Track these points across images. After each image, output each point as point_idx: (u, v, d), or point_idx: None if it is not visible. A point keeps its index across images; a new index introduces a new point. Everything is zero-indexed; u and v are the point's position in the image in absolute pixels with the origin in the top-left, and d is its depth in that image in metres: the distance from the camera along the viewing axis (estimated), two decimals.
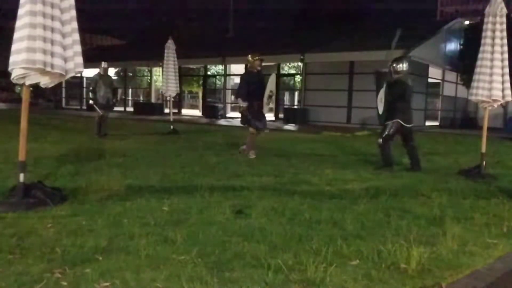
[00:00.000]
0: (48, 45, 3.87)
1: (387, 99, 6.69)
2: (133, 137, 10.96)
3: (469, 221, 3.98)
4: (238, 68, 23.05)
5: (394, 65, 6.78)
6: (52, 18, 3.91)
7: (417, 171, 6.79)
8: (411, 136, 7.02)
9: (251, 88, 7.66)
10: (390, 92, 6.67)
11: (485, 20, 6.43)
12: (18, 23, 3.89)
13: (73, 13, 4.10)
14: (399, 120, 6.76)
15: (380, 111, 6.86)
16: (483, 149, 6.64)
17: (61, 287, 2.41)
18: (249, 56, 7.91)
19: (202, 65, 25.54)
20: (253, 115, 7.74)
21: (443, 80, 22.52)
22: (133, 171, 5.96)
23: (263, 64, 8.05)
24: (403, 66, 6.81)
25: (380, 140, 6.85)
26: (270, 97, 7.83)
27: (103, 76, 11.10)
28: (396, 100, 6.70)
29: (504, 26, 6.35)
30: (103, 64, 11.16)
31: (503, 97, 6.44)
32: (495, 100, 6.48)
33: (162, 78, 14.47)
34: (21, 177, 4.07)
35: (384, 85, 6.74)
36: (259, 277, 2.59)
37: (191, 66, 26.25)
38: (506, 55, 6.38)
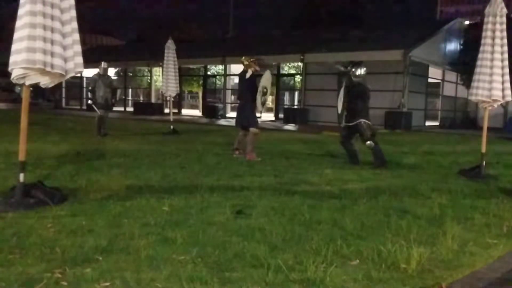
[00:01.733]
0: (48, 45, 3.86)
1: (346, 100, 7.31)
2: (133, 137, 10.96)
3: (469, 221, 3.98)
4: (238, 68, 22.90)
5: (354, 69, 7.33)
6: (52, 18, 3.91)
7: (356, 164, 7.21)
8: (355, 135, 7.48)
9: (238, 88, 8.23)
10: (351, 93, 7.28)
11: (485, 20, 6.42)
12: (18, 23, 3.88)
13: (73, 13, 4.10)
14: (365, 120, 7.22)
15: (339, 110, 7.47)
16: (483, 149, 6.63)
17: (61, 287, 2.41)
18: (243, 57, 7.87)
19: (202, 65, 25.53)
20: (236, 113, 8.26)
21: (443, 80, 22.51)
22: (133, 171, 5.96)
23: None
24: (361, 71, 7.32)
25: (371, 142, 7.16)
26: (264, 93, 7.79)
27: (103, 76, 11.09)
28: (356, 101, 7.24)
29: (504, 26, 6.34)
30: (103, 64, 11.16)
31: (503, 97, 6.44)
32: (495, 100, 6.48)
33: (162, 78, 14.47)
34: (21, 177, 4.07)
35: (343, 86, 7.41)
36: (259, 277, 2.59)
37: (191, 66, 26.24)
38: (506, 55, 6.38)
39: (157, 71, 26.23)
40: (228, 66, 23.62)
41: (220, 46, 25.32)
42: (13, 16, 4.07)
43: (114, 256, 2.84)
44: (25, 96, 4.21)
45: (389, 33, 21.35)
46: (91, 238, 3.14)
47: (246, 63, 7.76)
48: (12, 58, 3.87)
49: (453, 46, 22.45)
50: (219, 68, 25.52)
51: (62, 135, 10.79)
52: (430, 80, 21.09)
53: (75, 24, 4.10)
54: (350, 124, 7.27)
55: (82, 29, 4.42)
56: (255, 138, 7.76)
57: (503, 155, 9.34)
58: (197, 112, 26.93)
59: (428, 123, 20.93)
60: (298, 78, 23.34)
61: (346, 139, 7.43)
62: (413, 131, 16.98)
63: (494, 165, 7.66)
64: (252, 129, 7.70)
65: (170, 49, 13.25)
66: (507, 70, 6.37)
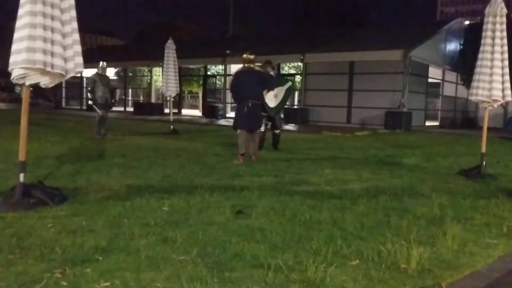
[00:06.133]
0: (48, 45, 3.86)
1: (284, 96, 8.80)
2: (133, 137, 10.95)
3: (469, 221, 3.97)
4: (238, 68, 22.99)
5: (272, 72, 9.05)
6: (52, 18, 3.91)
7: (277, 150, 9.04)
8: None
9: (240, 87, 7.42)
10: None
11: (485, 20, 6.42)
12: (18, 23, 3.88)
13: (73, 13, 4.10)
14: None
15: (273, 105, 8.66)
16: (483, 149, 6.63)
17: (61, 287, 2.41)
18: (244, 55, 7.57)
19: (202, 65, 25.53)
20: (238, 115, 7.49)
21: (443, 80, 22.51)
22: (133, 171, 5.96)
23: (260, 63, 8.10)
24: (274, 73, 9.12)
25: (280, 130, 9.19)
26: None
27: (101, 76, 11.07)
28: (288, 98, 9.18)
29: (504, 26, 6.34)
30: (101, 64, 11.15)
31: (503, 97, 6.44)
32: (495, 100, 6.47)
33: (162, 78, 14.48)
34: (21, 177, 4.07)
35: (283, 84, 8.86)
36: (259, 277, 2.59)
37: (191, 66, 26.22)
38: (506, 55, 6.37)
39: (157, 71, 26.23)
40: (228, 66, 23.61)
41: (220, 46, 25.31)
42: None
43: (114, 256, 2.84)
44: (25, 96, 4.21)
45: (389, 33, 21.33)
46: (91, 238, 3.14)
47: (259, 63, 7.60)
48: (12, 58, 3.87)
49: (453, 46, 22.44)
50: (219, 68, 25.51)
51: (62, 135, 10.79)
52: (430, 80, 21.09)
53: (75, 24, 4.10)
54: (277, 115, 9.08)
55: (82, 29, 4.42)
56: (239, 138, 7.34)
57: (503, 155, 9.33)
58: (197, 112, 26.93)
59: (428, 123, 20.93)
60: (298, 78, 23.35)
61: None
62: (413, 131, 16.97)
63: (494, 165, 7.66)
64: (260, 129, 7.64)
65: (170, 49, 13.25)
66: (507, 70, 6.37)
